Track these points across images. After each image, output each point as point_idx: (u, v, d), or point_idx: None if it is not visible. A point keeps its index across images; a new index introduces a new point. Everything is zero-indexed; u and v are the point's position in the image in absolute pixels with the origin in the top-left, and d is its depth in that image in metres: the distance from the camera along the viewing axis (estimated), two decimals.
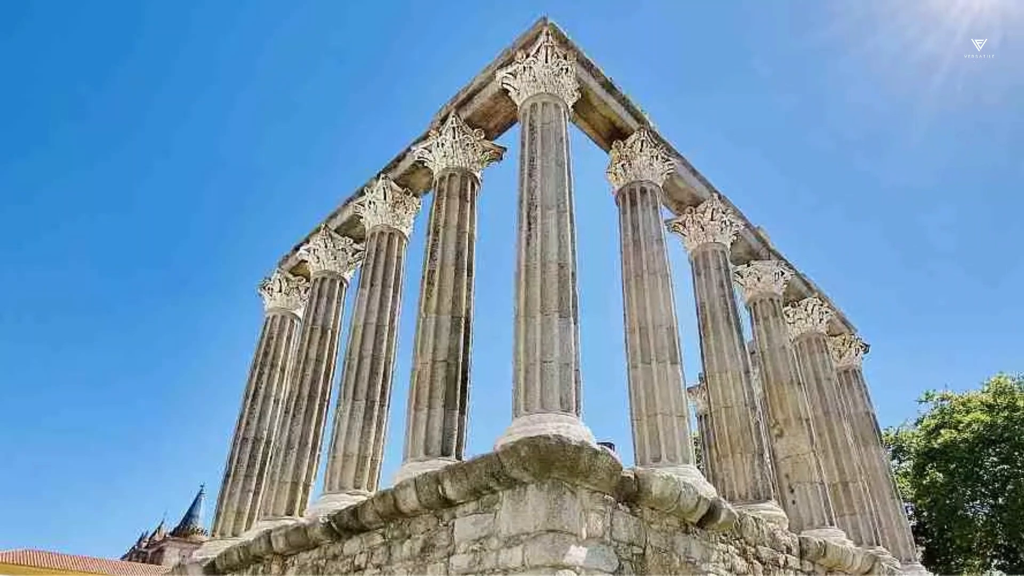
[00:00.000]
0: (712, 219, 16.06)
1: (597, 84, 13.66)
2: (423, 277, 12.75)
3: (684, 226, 16.38)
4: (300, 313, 18.60)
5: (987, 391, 33.51)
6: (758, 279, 17.92)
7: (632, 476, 8.77)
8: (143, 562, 75.59)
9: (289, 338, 18.59)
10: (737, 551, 10.62)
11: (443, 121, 14.10)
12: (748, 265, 18.07)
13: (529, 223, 11.08)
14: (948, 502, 31.34)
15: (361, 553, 10.39)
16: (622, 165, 14.28)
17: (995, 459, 30.93)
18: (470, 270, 12.93)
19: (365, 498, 10.68)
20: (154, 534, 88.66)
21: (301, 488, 14.42)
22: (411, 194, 15.92)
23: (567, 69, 12.73)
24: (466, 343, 12.12)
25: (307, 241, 17.86)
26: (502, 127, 14.28)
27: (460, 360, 11.83)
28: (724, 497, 11.97)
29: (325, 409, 15.63)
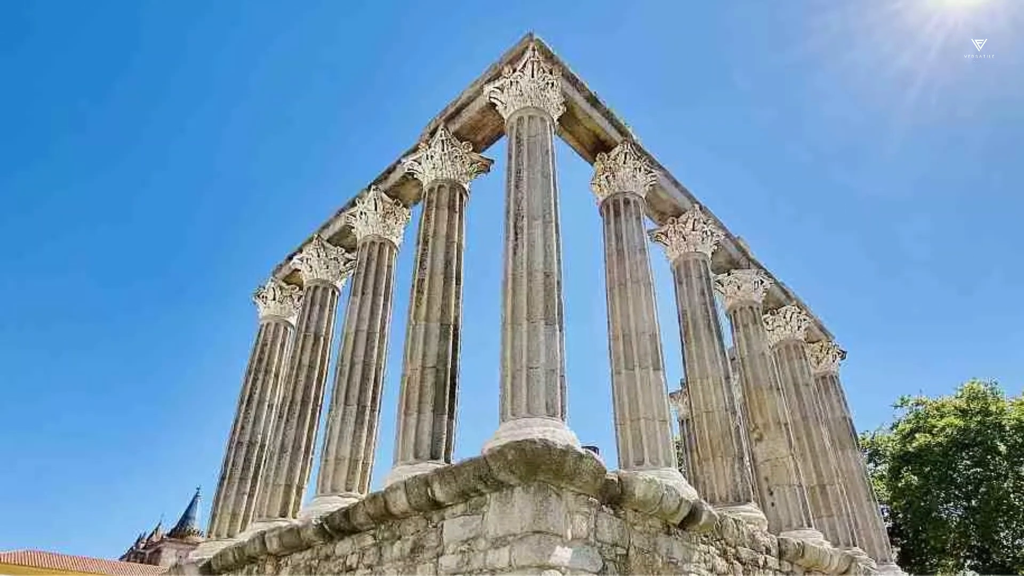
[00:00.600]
0: (693, 229, 16.13)
1: (582, 98, 13.71)
2: (413, 286, 12.77)
3: (666, 236, 16.44)
4: (293, 321, 18.59)
5: (960, 396, 33.67)
6: (738, 287, 18.00)
7: (616, 479, 8.80)
8: (141, 562, 75.09)
9: (283, 345, 18.57)
10: (718, 552, 10.66)
11: (432, 134, 14.13)
12: (728, 274, 18.15)
13: (516, 233, 11.12)
14: (923, 504, 31.44)
15: (353, 554, 10.39)
16: (606, 177, 14.34)
17: (968, 462, 31.04)
18: (458, 279, 12.96)
19: (357, 500, 10.69)
20: (151, 535, 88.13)
21: (294, 491, 14.39)
22: (401, 205, 15.94)
23: (553, 84, 12.79)
24: (455, 350, 12.15)
25: (300, 251, 17.87)
26: (490, 140, 14.32)
27: (449, 366, 11.85)
28: (705, 499, 12.01)
29: (318, 414, 15.63)
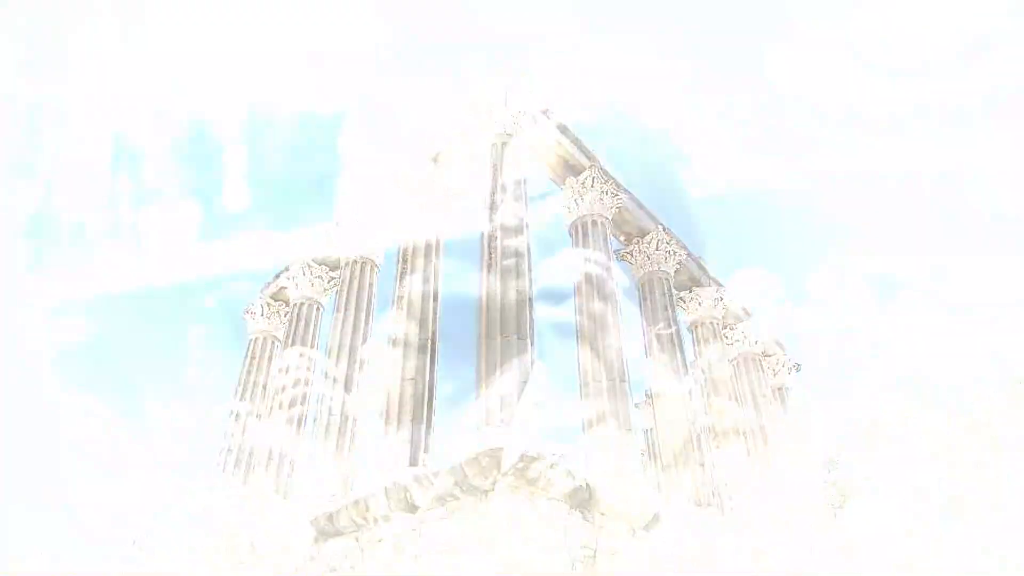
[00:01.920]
0: (657, 249, 16.22)
1: (552, 126, 13.81)
2: (393, 302, 12.77)
3: (632, 255, 16.51)
4: (281, 335, 18.52)
5: None
6: (699, 304, 18.09)
7: (584, 485, 8.85)
8: None
9: (271, 358, 18.48)
10: None
11: None
12: (690, 291, 18.23)
13: (491, 252, 11.16)
14: None
15: (336, 555, 10.34)
16: (575, 200, 14.42)
17: None
18: (436, 295, 12.98)
19: (340, 505, 10.66)
20: None
21: (282, 496, 14.29)
22: None
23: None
24: (432, 363, 12.15)
25: (287, 269, 17.82)
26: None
27: (427, 379, 11.85)
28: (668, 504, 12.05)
29: (304, 423, 15.53)
